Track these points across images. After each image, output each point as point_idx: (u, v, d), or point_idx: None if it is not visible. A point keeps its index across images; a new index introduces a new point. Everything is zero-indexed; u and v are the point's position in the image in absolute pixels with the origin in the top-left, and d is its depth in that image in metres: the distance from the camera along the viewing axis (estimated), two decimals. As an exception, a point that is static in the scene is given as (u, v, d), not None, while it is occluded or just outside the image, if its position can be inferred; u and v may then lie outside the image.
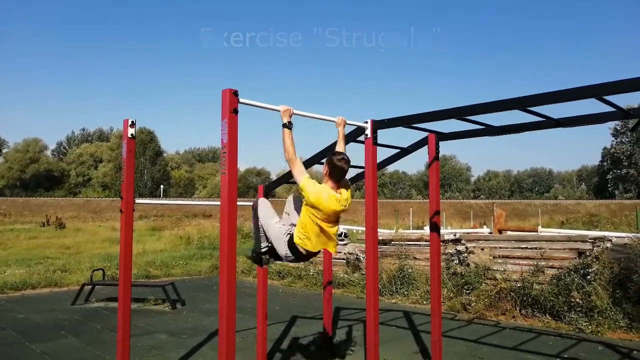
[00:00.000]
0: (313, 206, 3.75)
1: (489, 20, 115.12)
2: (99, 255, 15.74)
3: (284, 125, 3.76)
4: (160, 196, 67.50)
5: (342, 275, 10.69)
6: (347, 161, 3.91)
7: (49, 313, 8.11)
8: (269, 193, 5.02)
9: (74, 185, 78.09)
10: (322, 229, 3.80)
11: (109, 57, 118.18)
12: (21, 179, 73.95)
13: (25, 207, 48.64)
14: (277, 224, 3.95)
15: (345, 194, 3.95)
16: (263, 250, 4.02)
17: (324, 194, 3.75)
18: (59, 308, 8.52)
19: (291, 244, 3.85)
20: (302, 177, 3.79)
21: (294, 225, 3.88)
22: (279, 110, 3.79)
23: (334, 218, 3.91)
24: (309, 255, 3.90)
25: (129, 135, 4.04)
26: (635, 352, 5.76)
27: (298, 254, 3.86)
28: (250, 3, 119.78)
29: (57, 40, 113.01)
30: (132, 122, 4.05)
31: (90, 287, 9.19)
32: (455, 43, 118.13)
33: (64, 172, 79.65)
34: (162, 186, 72.54)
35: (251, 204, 4.93)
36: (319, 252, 3.96)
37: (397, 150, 5.21)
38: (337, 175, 3.87)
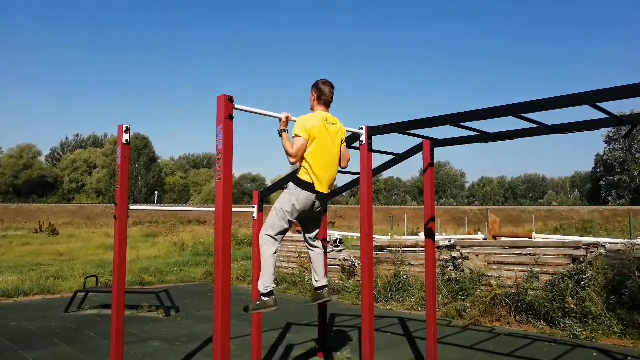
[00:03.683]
0: (308, 137, 3.97)
1: (485, 26, 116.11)
2: (93, 262, 15.64)
3: (284, 132, 3.88)
4: (154, 202, 67.27)
5: (337, 281, 10.67)
6: (331, 84, 4.24)
7: (41, 320, 8.03)
8: (264, 199, 5.01)
9: (67, 192, 77.66)
10: (321, 164, 4.05)
11: (103, 62, 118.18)
12: (14, 185, 73.49)
13: (19, 214, 48.32)
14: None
15: (337, 122, 4.21)
16: (270, 290, 4.07)
17: (310, 120, 4.03)
18: (51, 315, 8.44)
19: (297, 182, 4.06)
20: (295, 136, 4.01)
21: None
22: (281, 118, 3.87)
23: (332, 152, 4.13)
24: (315, 194, 4.05)
25: (124, 141, 4.03)
26: (629, 358, 5.77)
27: (306, 196, 4.03)
28: (248, 6, 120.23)
29: (51, 46, 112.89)
30: (127, 128, 4.05)
31: (83, 294, 9.12)
32: (451, 49, 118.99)
33: (58, 178, 79.25)
34: (156, 192, 72.29)
35: (246, 210, 4.95)
36: (326, 195, 4.16)
37: (392, 157, 5.22)
38: (326, 97, 4.16)
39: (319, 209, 4.25)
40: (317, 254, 4.50)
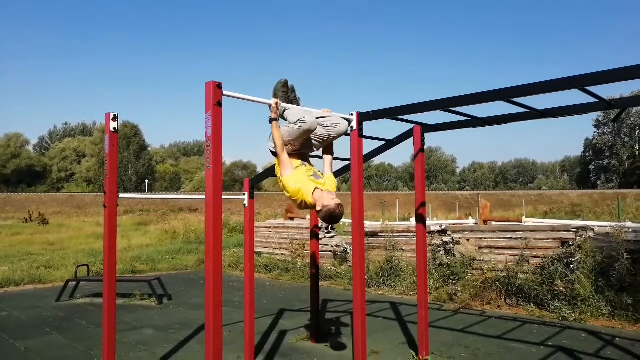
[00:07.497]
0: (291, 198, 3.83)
1: (474, 11, 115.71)
2: (84, 251, 15.57)
3: (275, 119, 3.78)
4: (145, 191, 66.95)
5: (329, 267, 10.72)
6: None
7: (33, 310, 8.00)
8: (254, 186, 4.99)
9: (56, 181, 77.04)
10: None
11: (91, 50, 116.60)
12: (2, 175, 72.75)
13: (7, 203, 47.85)
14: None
15: (329, 181, 4.00)
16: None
17: (303, 187, 3.80)
18: (43, 305, 8.41)
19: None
20: (287, 171, 3.82)
21: None
22: (271, 104, 3.79)
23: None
24: None
25: (112, 129, 3.98)
26: (617, 339, 5.87)
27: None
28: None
29: (40, 34, 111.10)
30: (115, 115, 3.99)
31: (74, 283, 9.08)
32: (441, 35, 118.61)
33: (47, 167, 78.54)
34: (147, 181, 71.93)
35: (237, 197, 4.93)
36: None
37: (383, 143, 5.21)
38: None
39: None
40: None
